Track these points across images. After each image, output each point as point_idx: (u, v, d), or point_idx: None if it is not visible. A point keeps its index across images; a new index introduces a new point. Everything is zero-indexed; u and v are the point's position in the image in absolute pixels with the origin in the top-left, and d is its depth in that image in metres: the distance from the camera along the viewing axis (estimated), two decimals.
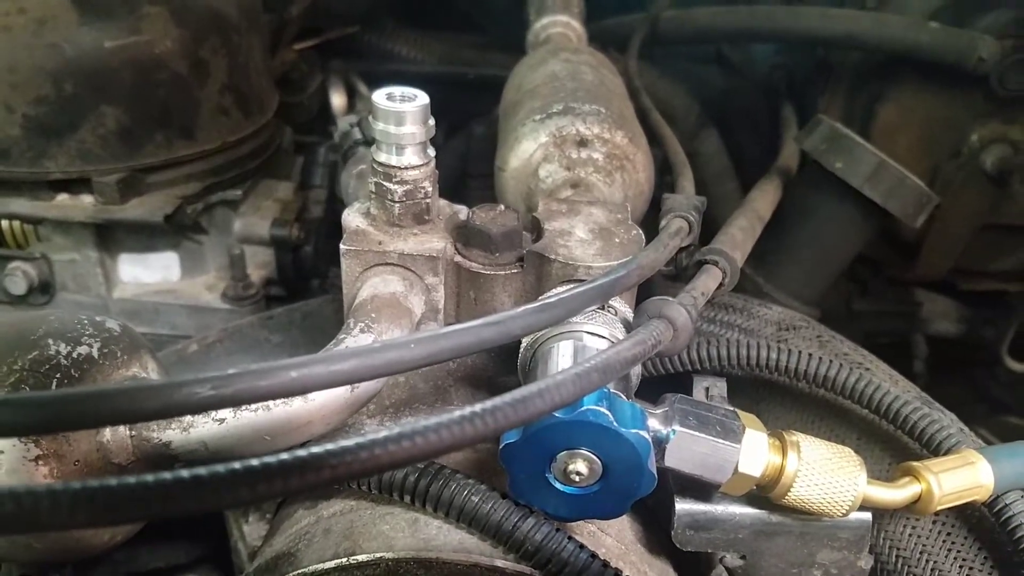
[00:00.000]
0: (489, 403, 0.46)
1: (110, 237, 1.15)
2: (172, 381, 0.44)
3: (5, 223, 1.15)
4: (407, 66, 1.78)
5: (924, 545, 0.75)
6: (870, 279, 1.66)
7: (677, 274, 0.85)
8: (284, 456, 0.40)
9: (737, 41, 1.86)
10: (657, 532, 0.73)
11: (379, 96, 0.69)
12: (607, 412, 0.55)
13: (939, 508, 0.64)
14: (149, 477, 0.38)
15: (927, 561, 0.75)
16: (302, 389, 0.48)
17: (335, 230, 0.74)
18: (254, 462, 0.39)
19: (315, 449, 0.41)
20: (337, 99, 1.58)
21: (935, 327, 1.71)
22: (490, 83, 1.46)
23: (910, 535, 0.77)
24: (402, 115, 0.69)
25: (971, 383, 1.77)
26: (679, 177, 0.95)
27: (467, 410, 0.45)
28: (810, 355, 0.80)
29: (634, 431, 0.55)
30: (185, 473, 0.38)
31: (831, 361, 0.79)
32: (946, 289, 1.68)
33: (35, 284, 1.15)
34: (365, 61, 1.73)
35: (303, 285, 1.26)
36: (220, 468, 0.39)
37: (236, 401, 0.45)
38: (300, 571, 0.63)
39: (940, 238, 1.49)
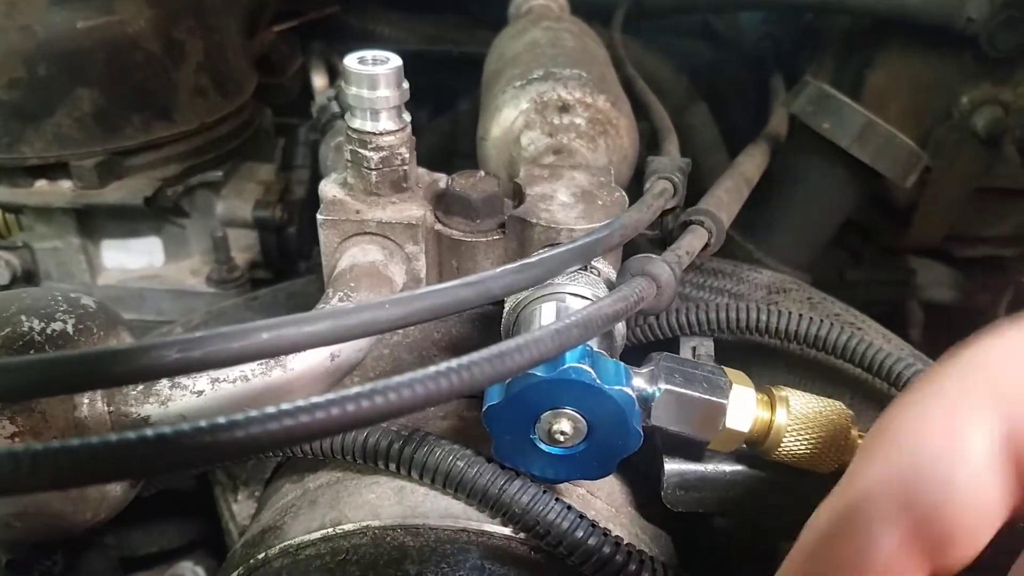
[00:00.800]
0: (466, 358, 0.45)
1: (91, 223, 1.14)
2: (140, 344, 0.43)
3: None
4: (389, 46, 1.75)
5: None
6: (863, 248, 1.65)
7: (662, 237, 0.84)
8: (252, 413, 0.39)
9: (723, 10, 1.84)
10: (648, 494, 0.72)
11: (351, 60, 0.68)
12: (590, 369, 0.54)
13: None
14: (113, 436, 0.37)
15: None
16: (275, 351, 0.47)
17: (318, 210, 0.73)
18: (221, 419, 0.38)
19: (285, 406, 0.40)
20: (318, 80, 1.56)
21: (930, 294, 1.70)
22: (475, 60, 1.44)
23: None
24: (375, 78, 0.67)
25: None
26: (664, 141, 0.94)
27: (443, 365, 0.44)
28: (800, 315, 0.78)
29: (617, 387, 0.54)
30: (149, 432, 0.37)
31: (822, 321, 0.78)
32: (940, 256, 1.67)
33: (18, 273, 1.14)
34: (346, 42, 1.71)
35: (288, 267, 1.25)
36: (185, 426, 0.38)
37: (207, 364, 0.44)
38: (286, 543, 0.62)
39: (933, 203, 1.48)
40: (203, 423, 0.38)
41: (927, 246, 1.63)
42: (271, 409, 0.40)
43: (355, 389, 0.42)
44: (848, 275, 1.65)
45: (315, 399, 0.40)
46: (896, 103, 1.42)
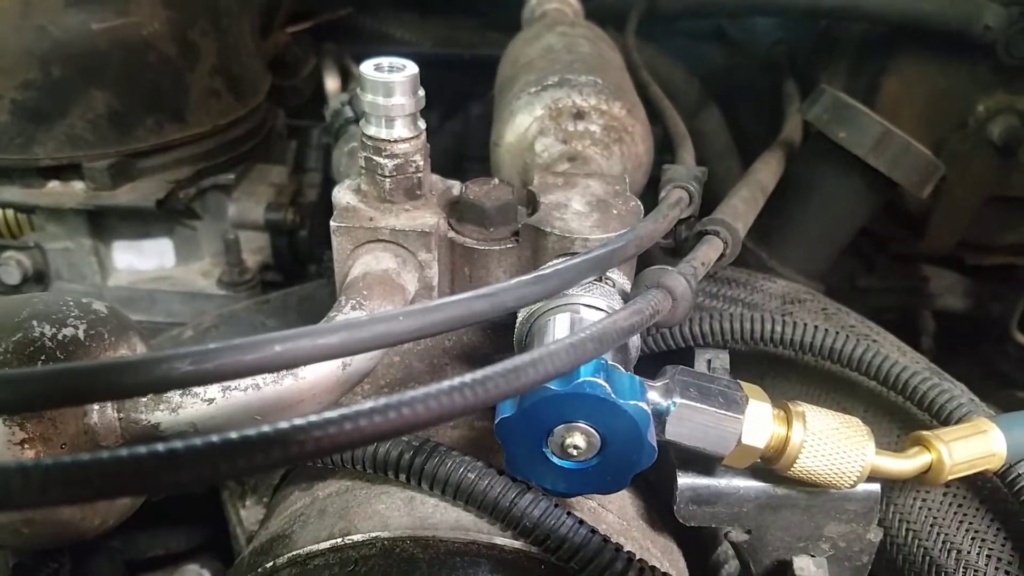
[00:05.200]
0: (480, 373, 0.45)
1: (103, 224, 1.13)
2: (152, 356, 0.42)
3: None
4: (402, 48, 1.75)
5: (935, 517, 0.74)
6: (875, 255, 1.64)
7: (676, 247, 0.83)
8: (265, 428, 0.38)
9: (737, 15, 1.83)
10: (659, 507, 0.72)
11: (367, 67, 0.68)
12: (604, 384, 0.54)
13: (950, 478, 0.62)
14: (123, 451, 0.36)
15: (938, 533, 0.73)
16: (288, 363, 0.46)
17: (330, 214, 0.73)
18: (233, 435, 0.38)
19: (297, 421, 0.39)
20: (331, 82, 1.56)
21: (942, 302, 1.69)
22: (487, 63, 1.44)
23: (920, 507, 0.75)
24: (391, 86, 0.67)
25: (979, 359, 1.75)
26: (679, 148, 0.93)
27: (456, 380, 0.44)
28: (816, 327, 0.78)
29: (632, 402, 0.54)
30: (161, 447, 0.37)
31: (837, 333, 0.77)
32: (953, 264, 1.66)
33: (29, 273, 1.14)
34: (360, 44, 1.71)
35: (299, 270, 1.25)
36: (197, 441, 0.37)
37: (219, 376, 0.44)
38: (295, 552, 0.62)
39: (947, 211, 1.46)
40: (215, 438, 0.38)
41: (940, 254, 1.62)
42: (283, 424, 0.39)
43: (368, 404, 0.41)
44: (860, 282, 1.64)
45: (328, 414, 0.40)
46: (910, 111, 1.41)
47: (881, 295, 1.63)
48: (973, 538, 0.71)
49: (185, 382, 0.43)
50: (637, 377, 0.58)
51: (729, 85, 1.82)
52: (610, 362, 0.57)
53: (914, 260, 1.65)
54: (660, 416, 0.59)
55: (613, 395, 0.53)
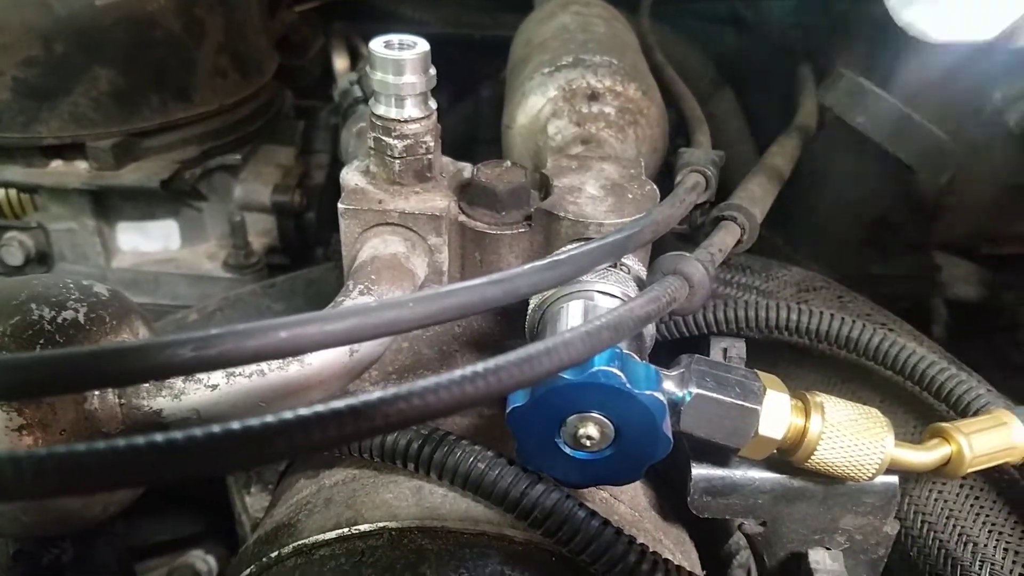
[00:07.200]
0: (492, 362, 0.43)
1: (107, 205, 1.12)
2: (153, 342, 0.41)
3: (0, 192, 1.13)
4: (412, 28, 1.73)
5: (951, 509, 0.72)
6: (888, 242, 1.61)
7: (691, 232, 0.82)
8: (286, 415, 0.37)
9: None
10: (671, 498, 0.70)
11: (376, 44, 0.66)
12: (619, 373, 0.52)
13: (969, 471, 0.60)
14: (121, 442, 0.35)
15: (954, 526, 0.71)
16: (294, 350, 0.45)
17: (338, 196, 0.71)
18: (253, 422, 0.36)
19: (318, 408, 0.38)
20: (339, 62, 1.54)
21: (955, 291, 1.66)
22: (498, 44, 1.41)
23: (936, 499, 0.73)
24: (401, 63, 0.65)
25: (991, 349, 1.72)
26: (695, 132, 0.91)
27: (468, 370, 0.42)
28: (831, 315, 0.76)
29: (648, 392, 0.52)
30: (159, 437, 0.35)
31: (854, 321, 0.76)
32: (967, 252, 1.63)
33: (32, 254, 1.13)
34: (368, 23, 1.68)
35: (306, 253, 1.24)
36: (216, 429, 0.36)
37: (222, 362, 0.43)
38: (300, 542, 0.60)
39: (962, 199, 1.44)
40: (216, 428, 0.36)
41: (954, 242, 1.59)
42: (288, 414, 0.38)
43: (377, 394, 0.40)
44: (872, 269, 1.61)
45: (335, 405, 0.38)
46: (927, 97, 1.38)
47: (893, 283, 1.60)
48: (990, 531, 0.70)
49: (188, 368, 0.41)
50: (653, 366, 0.56)
51: (742, 68, 1.79)
52: (625, 350, 0.55)
53: (927, 248, 1.63)
54: (675, 406, 0.57)
55: (628, 385, 0.52)
